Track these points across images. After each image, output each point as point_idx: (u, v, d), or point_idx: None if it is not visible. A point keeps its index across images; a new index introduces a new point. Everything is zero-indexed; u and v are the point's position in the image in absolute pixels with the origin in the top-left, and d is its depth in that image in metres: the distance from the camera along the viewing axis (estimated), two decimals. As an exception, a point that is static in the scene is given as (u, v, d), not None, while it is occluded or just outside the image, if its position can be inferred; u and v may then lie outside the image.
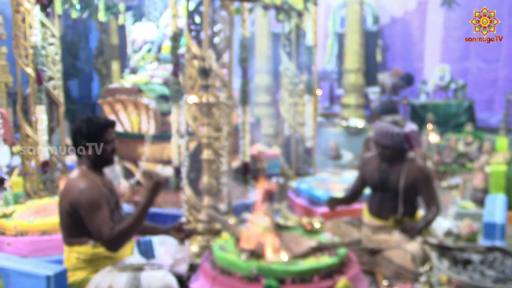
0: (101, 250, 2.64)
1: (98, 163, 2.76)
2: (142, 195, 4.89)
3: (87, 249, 2.64)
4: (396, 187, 3.51)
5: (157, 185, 2.62)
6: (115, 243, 2.56)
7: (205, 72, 3.52)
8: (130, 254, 2.85)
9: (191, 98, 3.75)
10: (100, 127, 2.72)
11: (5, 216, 3.73)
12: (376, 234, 3.56)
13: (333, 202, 3.83)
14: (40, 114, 4.67)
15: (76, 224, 2.61)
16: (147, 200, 2.62)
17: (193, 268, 3.12)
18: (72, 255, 2.66)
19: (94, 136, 2.70)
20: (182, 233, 3.10)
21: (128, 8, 5.87)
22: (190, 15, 4.02)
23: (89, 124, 2.71)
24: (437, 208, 3.49)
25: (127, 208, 4.47)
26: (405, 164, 3.53)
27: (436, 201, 3.52)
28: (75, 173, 2.71)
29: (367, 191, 3.89)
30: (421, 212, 3.76)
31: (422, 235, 3.41)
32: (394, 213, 3.53)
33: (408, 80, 8.40)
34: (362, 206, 4.06)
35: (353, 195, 3.92)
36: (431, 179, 3.60)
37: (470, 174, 5.69)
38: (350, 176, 5.25)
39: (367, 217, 3.70)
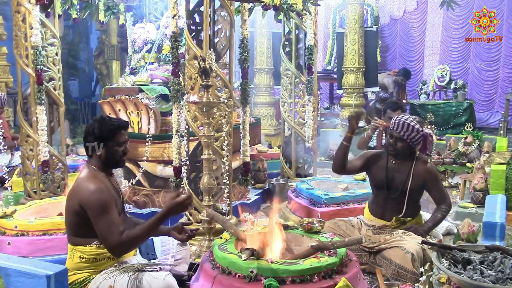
0: (105, 250, 2.62)
1: (108, 164, 2.71)
2: (143, 195, 4.94)
3: (91, 249, 2.63)
4: (402, 186, 3.51)
5: (180, 205, 2.61)
6: (121, 248, 2.55)
7: (205, 72, 3.52)
8: (133, 254, 2.85)
9: (191, 98, 3.75)
10: (113, 129, 2.64)
11: (6, 216, 3.74)
12: (377, 234, 3.56)
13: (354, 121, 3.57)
14: (41, 114, 4.67)
15: (83, 224, 2.59)
16: (164, 214, 2.61)
17: (193, 268, 3.12)
18: (76, 254, 2.65)
19: (106, 137, 2.63)
20: (184, 234, 3.09)
21: (128, 9, 5.87)
22: (190, 15, 4.02)
23: (102, 125, 2.64)
24: (448, 206, 3.55)
25: (127, 208, 4.47)
26: (413, 164, 3.54)
27: (447, 199, 3.57)
28: (84, 173, 2.67)
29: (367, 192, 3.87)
30: (422, 213, 3.77)
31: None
32: (397, 214, 3.53)
33: (405, 74, 8.37)
34: (362, 206, 4.06)
35: (347, 166, 3.70)
36: (439, 178, 3.64)
37: (470, 174, 5.68)
38: (350, 176, 5.23)
39: (368, 218, 3.69)
